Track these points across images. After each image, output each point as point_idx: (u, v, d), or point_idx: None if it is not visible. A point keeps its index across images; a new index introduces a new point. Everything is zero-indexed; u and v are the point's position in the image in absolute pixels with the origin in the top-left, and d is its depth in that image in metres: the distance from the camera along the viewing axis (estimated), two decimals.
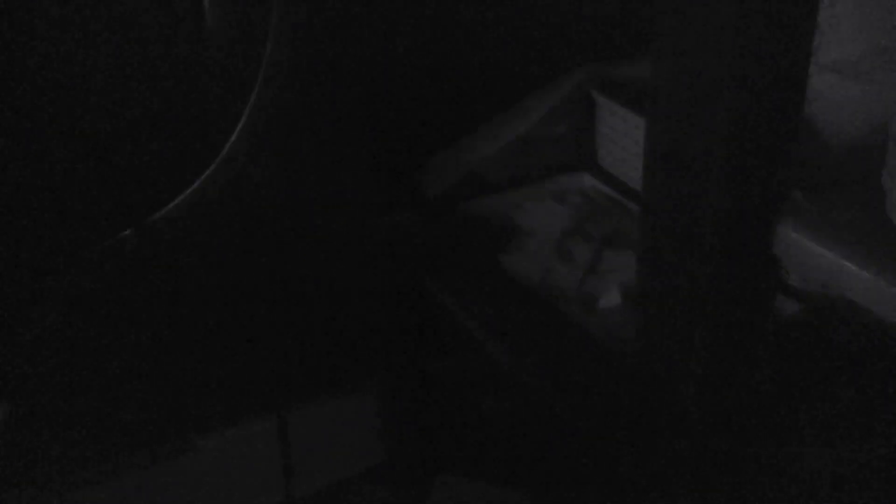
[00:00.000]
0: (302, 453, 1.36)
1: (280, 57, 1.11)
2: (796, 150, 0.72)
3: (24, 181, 1.06)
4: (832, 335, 0.96)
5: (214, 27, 0.95)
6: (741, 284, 0.73)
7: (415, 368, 1.36)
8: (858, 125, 0.92)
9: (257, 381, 1.31)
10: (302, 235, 1.26)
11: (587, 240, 1.17)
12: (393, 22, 1.22)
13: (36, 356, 1.15)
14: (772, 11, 0.64)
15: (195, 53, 1.05)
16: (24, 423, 1.17)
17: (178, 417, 1.28)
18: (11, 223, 1.04)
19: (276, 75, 1.11)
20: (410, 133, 1.27)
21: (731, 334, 0.75)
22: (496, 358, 1.07)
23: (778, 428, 0.90)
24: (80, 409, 1.20)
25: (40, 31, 1.01)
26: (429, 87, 1.26)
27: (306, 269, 1.29)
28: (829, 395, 0.93)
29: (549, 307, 1.09)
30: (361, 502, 1.39)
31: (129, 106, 1.08)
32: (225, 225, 1.20)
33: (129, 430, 1.25)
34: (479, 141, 1.26)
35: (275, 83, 1.11)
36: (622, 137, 1.22)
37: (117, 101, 1.08)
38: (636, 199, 1.15)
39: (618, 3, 1.33)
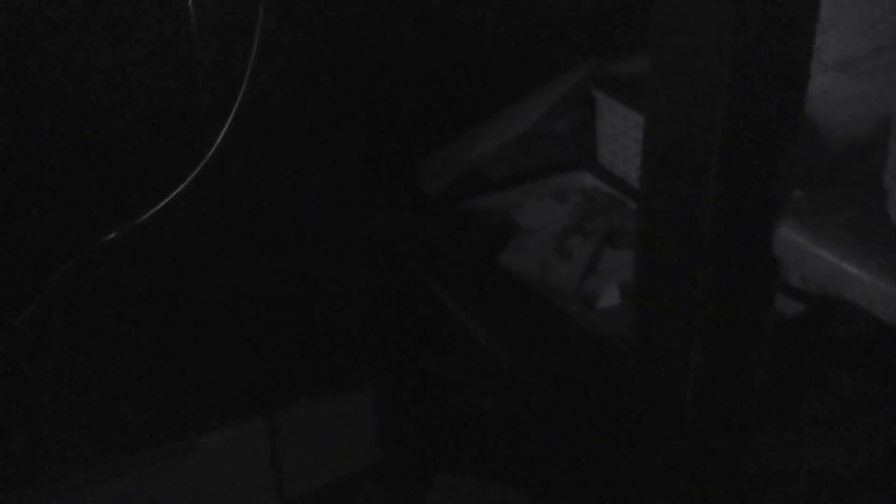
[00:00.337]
0: (302, 452, 1.36)
1: (269, 55, 1.11)
2: (797, 149, 0.71)
3: (13, 181, 1.06)
4: (833, 335, 0.96)
5: (201, 26, 0.95)
6: (740, 285, 0.72)
7: (414, 367, 1.36)
8: (861, 124, 0.92)
9: (257, 381, 1.30)
10: (300, 234, 1.26)
11: (587, 238, 1.17)
12: (392, 18, 1.22)
13: (35, 356, 1.15)
14: (771, 8, 0.64)
15: (182, 52, 1.05)
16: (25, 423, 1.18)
17: (178, 417, 1.28)
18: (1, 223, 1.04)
19: (265, 74, 1.11)
20: (409, 130, 1.26)
21: (729, 334, 0.74)
22: (495, 357, 1.07)
23: (778, 427, 0.90)
24: (80, 409, 1.20)
25: (24, 31, 1.01)
26: (428, 83, 1.26)
27: (304, 268, 1.28)
28: (829, 395, 0.93)
29: (548, 306, 1.08)
30: (361, 500, 1.39)
31: (117, 105, 1.08)
32: (221, 224, 1.19)
33: (130, 430, 1.25)
34: (479, 138, 1.25)
35: (264, 82, 1.11)
36: (622, 135, 1.22)
37: (104, 101, 1.07)
38: (637, 197, 1.15)
39: None
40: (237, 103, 0.89)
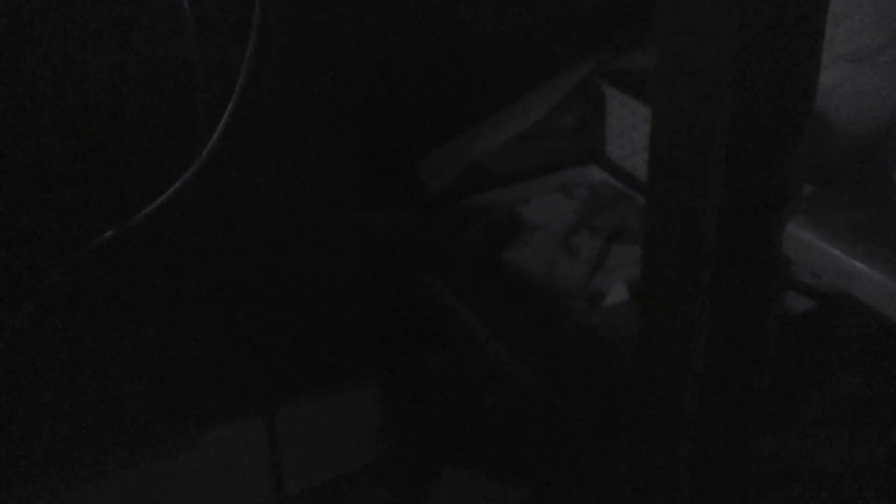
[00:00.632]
0: (302, 450, 1.36)
1: (267, 53, 1.11)
2: (808, 144, 0.70)
3: (8, 181, 1.06)
4: (839, 334, 0.94)
5: (195, 24, 0.94)
6: (744, 284, 0.71)
7: (414, 366, 1.36)
8: (876, 117, 0.91)
9: (257, 379, 1.30)
10: (299, 232, 1.26)
11: (594, 234, 1.15)
12: (392, 15, 1.21)
13: (35, 355, 1.15)
14: (777, 4, 0.62)
15: (178, 51, 1.04)
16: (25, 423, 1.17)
17: (179, 415, 1.28)
18: None
19: (261, 72, 1.11)
20: (409, 128, 1.26)
21: (732, 335, 0.73)
22: (496, 356, 1.06)
23: (779, 427, 0.89)
24: (79, 408, 1.20)
25: (18, 31, 1.00)
26: (428, 80, 1.25)
27: (304, 266, 1.28)
28: (831, 395, 0.92)
29: (550, 304, 1.07)
30: (361, 499, 1.39)
31: (113, 104, 1.08)
32: (220, 222, 1.19)
33: (130, 429, 1.25)
34: (484, 133, 1.24)
35: (262, 80, 1.11)
36: (631, 129, 1.20)
37: (102, 100, 1.07)
38: (645, 192, 1.14)
39: None
40: (232, 102, 0.88)
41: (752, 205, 0.69)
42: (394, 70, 1.23)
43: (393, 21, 1.21)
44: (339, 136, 1.24)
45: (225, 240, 1.20)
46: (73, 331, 1.16)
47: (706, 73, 0.64)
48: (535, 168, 1.26)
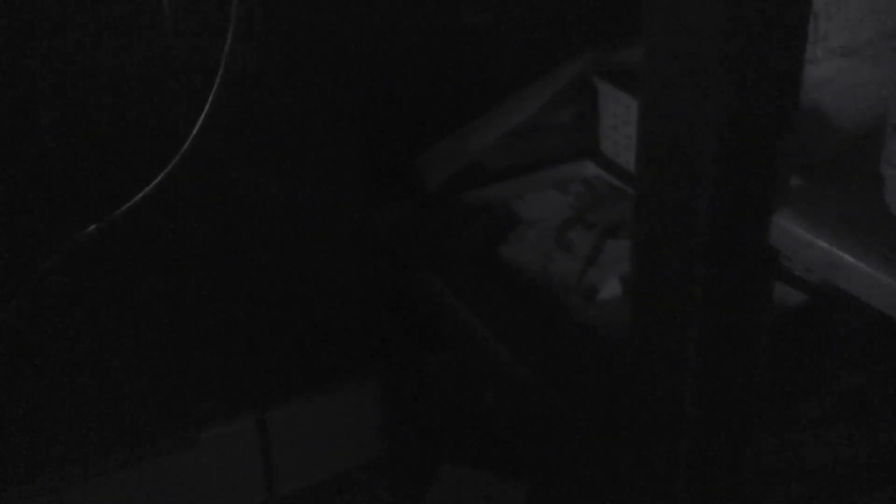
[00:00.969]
0: (302, 448, 1.36)
1: (266, 51, 1.11)
2: (796, 137, 0.70)
3: None
4: (838, 328, 0.94)
5: (173, 18, 0.94)
6: (736, 278, 0.71)
7: (413, 363, 1.36)
8: (865, 111, 0.91)
9: (257, 378, 1.30)
10: (298, 229, 1.26)
11: (588, 229, 1.15)
12: (391, 12, 1.21)
13: (32, 355, 1.15)
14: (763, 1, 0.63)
15: (155, 45, 1.04)
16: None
17: (178, 414, 1.28)
18: None
19: (261, 72, 1.11)
20: (408, 125, 1.26)
21: (726, 329, 0.73)
22: (495, 353, 1.06)
23: (778, 426, 0.89)
24: (76, 408, 1.20)
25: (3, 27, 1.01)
26: (426, 77, 1.25)
27: (303, 263, 1.28)
28: (830, 393, 0.92)
29: (548, 301, 1.07)
30: (361, 495, 1.39)
31: (90, 100, 1.08)
32: (219, 220, 1.19)
33: (128, 428, 1.25)
34: (480, 130, 1.24)
35: (260, 79, 1.11)
36: (625, 124, 1.20)
37: (78, 96, 1.07)
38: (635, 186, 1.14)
39: None
40: (212, 94, 0.89)
41: (742, 198, 0.69)
42: (394, 69, 1.23)
43: (393, 21, 1.21)
44: (338, 135, 1.24)
45: (223, 238, 1.20)
46: (69, 331, 1.16)
47: (693, 68, 0.65)
48: (530, 164, 1.26)
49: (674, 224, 0.71)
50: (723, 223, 0.69)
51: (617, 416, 0.87)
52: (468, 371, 1.34)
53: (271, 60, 1.15)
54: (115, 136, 1.10)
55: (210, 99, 0.88)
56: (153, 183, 0.90)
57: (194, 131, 0.88)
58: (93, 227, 0.93)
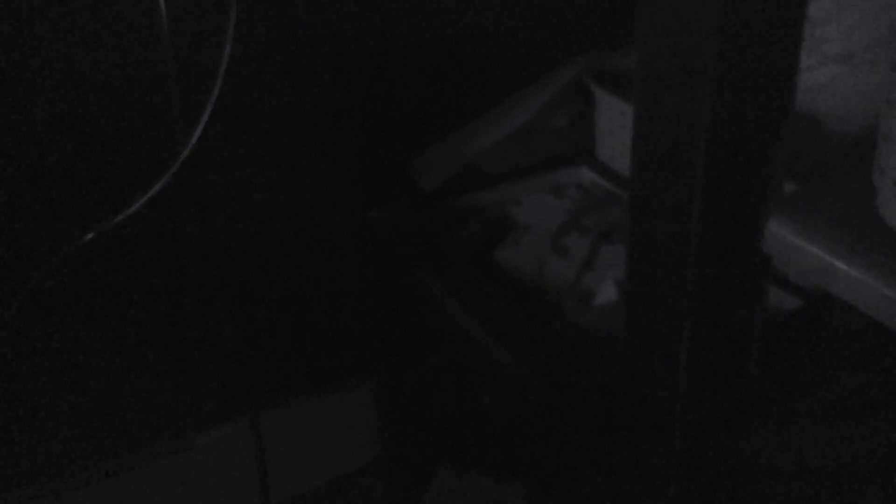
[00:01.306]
0: (300, 450, 1.36)
1: (265, 51, 1.11)
2: (791, 143, 0.70)
3: None
4: (829, 332, 0.94)
5: (171, 23, 0.94)
6: (728, 280, 0.71)
7: (410, 365, 1.36)
8: (860, 117, 0.91)
9: (254, 379, 1.30)
10: (295, 230, 1.25)
11: (584, 234, 1.16)
12: (388, 13, 1.21)
13: (32, 356, 1.15)
14: (757, 4, 0.63)
15: (152, 50, 1.04)
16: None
17: (175, 416, 1.28)
18: None
19: (261, 72, 1.11)
20: (405, 126, 1.26)
21: (719, 331, 0.73)
22: (492, 354, 1.06)
23: (776, 426, 0.89)
24: (76, 409, 1.20)
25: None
26: (423, 79, 1.25)
27: (300, 265, 1.28)
28: (827, 393, 0.92)
29: (545, 303, 1.07)
30: (359, 498, 1.39)
31: (88, 106, 1.08)
32: (216, 221, 1.19)
33: (127, 430, 1.25)
34: (475, 134, 1.25)
35: (260, 79, 1.11)
36: (620, 130, 1.20)
37: (87, 99, 1.07)
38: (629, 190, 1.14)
39: None
40: (212, 100, 0.89)
41: (734, 202, 0.69)
42: (392, 71, 1.23)
43: (391, 23, 1.21)
44: (336, 135, 1.23)
45: (219, 240, 1.20)
46: (65, 333, 1.16)
47: (687, 72, 0.65)
48: (526, 168, 1.26)
49: (667, 227, 0.71)
50: (716, 227, 0.69)
51: (614, 417, 0.88)
52: (466, 372, 1.34)
53: (270, 61, 1.15)
54: (113, 138, 1.10)
55: (211, 102, 0.88)
56: (153, 189, 0.90)
57: (195, 137, 0.88)
58: (92, 234, 0.93)
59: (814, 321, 0.96)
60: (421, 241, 1.19)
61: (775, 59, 0.66)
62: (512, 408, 1.15)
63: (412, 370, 1.37)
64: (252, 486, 1.33)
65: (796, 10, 0.66)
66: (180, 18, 1.00)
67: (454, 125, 1.25)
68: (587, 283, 1.09)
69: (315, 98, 1.20)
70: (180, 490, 1.29)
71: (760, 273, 0.73)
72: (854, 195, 0.71)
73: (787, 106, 0.69)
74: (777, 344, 0.90)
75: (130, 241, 1.14)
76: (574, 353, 1.01)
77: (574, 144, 1.28)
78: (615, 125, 1.21)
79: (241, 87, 1.10)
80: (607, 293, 1.06)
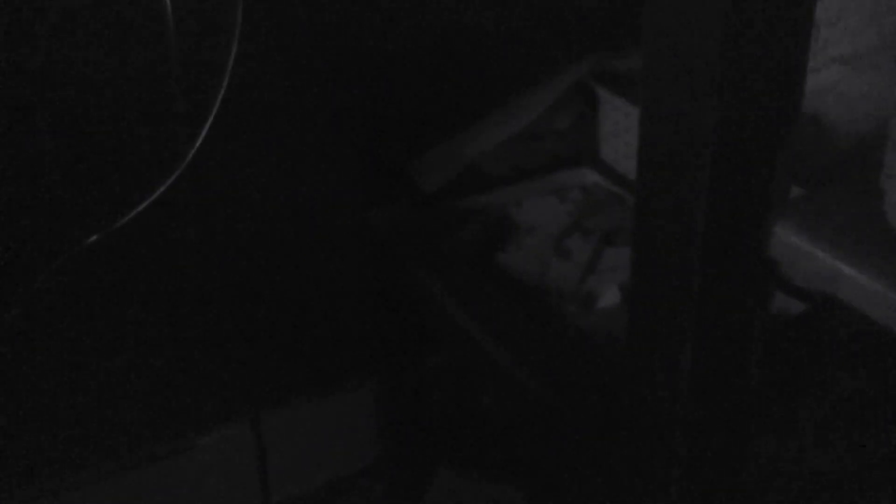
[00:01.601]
0: (300, 451, 1.36)
1: (265, 51, 1.11)
2: (797, 146, 0.70)
3: None
4: (833, 335, 0.94)
5: (177, 27, 0.94)
6: (733, 285, 0.71)
7: (411, 366, 1.35)
8: (866, 120, 0.90)
9: (254, 380, 1.30)
10: (296, 231, 1.25)
11: (587, 237, 1.15)
12: (389, 14, 1.21)
13: (32, 357, 1.15)
14: (765, 4, 0.62)
15: (153, 51, 1.04)
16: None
17: (175, 417, 1.27)
18: None
19: (261, 72, 1.11)
20: (406, 127, 1.25)
21: (722, 335, 0.73)
22: (493, 356, 1.06)
23: (777, 428, 0.89)
24: (76, 410, 1.20)
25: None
26: (425, 80, 1.25)
27: (301, 266, 1.28)
28: (829, 395, 0.92)
29: (546, 305, 1.07)
30: (359, 498, 1.39)
31: (93, 108, 1.07)
32: (217, 221, 1.19)
33: (128, 431, 1.25)
34: (478, 135, 1.24)
35: (260, 79, 1.11)
36: (624, 131, 1.20)
37: (89, 102, 1.07)
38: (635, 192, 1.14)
39: None
40: (217, 103, 0.88)
41: (740, 206, 0.69)
42: (393, 71, 1.23)
43: (393, 21, 1.21)
44: (337, 136, 1.23)
45: (220, 241, 1.20)
46: (66, 334, 1.16)
47: (693, 74, 0.64)
48: (529, 169, 1.26)
49: (672, 231, 0.71)
50: (721, 230, 0.69)
51: (614, 418, 0.87)
52: (466, 373, 1.34)
53: (270, 61, 1.14)
54: (116, 140, 1.10)
55: (216, 105, 0.88)
56: (159, 190, 0.90)
57: (200, 139, 0.88)
58: (95, 236, 0.93)
59: (819, 325, 0.96)
60: (421, 242, 1.19)
61: (782, 61, 0.66)
62: (512, 408, 1.15)
63: (412, 370, 1.36)
64: (252, 486, 1.33)
65: (803, 11, 0.66)
66: (182, 19, 1.00)
67: (455, 126, 1.25)
68: (590, 287, 1.08)
69: (315, 98, 1.20)
70: (180, 490, 1.29)
71: (764, 277, 0.73)
72: (861, 199, 0.71)
73: (793, 108, 0.69)
74: (782, 347, 0.89)
75: (131, 241, 1.14)
76: (574, 354, 1.01)
77: (576, 146, 1.28)
78: (619, 126, 1.21)
79: (241, 87, 1.10)
80: (611, 297, 1.06)
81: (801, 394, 0.92)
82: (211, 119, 0.89)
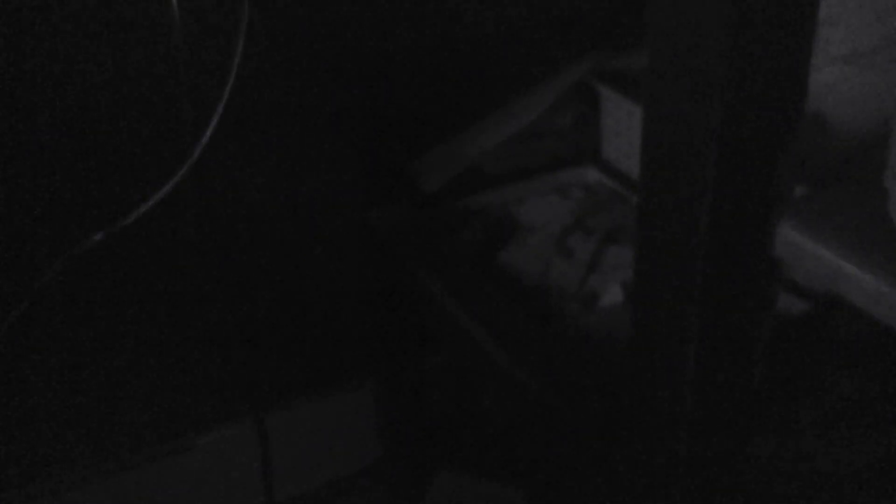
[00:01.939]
0: (300, 452, 1.35)
1: (265, 51, 1.10)
2: (801, 145, 0.70)
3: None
4: (835, 335, 0.94)
5: (183, 24, 0.94)
6: (737, 284, 0.71)
7: (411, 366, 1.35)
8: (868, 119, 0.90)
9: (254, 380, 1.30)
10: (296, 231, 1.25)
11: (589, 235, 1.15)
12: (390, 13, 1.21)
13: (32, 357, 1.15)
14: (770, 3, 0.62)
15: (166, 51, 1.04)
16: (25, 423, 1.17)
17: (175, 417, 1.28)
18: None
19: (261, 71, 1.10)
20: (407, 127, 1.25)
21: (726, 335, 0.73)
22: (493, 356, 1.06)
23: (777, 428, 0.89)
24: (76, 410, 1.20)
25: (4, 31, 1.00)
26: (426, 79, 1.24)
27: (301, 266, 1.28)
28: (829, 396, 0.92)
29: (548, 305, 1.07)
30: (359, 499, 1.39)
31: (97, 107, 1.07)
32: (216, 221, 1.19)
33: (128, 430, 1.25)
34: (480, 134, 1.24)
35: (259, 79, 1.10)
36: (626, 130, 1.20)
37: (92, 101, 1.07)
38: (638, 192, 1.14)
39: None
40: (223, 102, 0.88)
41: (743, 204, 0.69)
42: (394, 71, 1.23)
43: (393, 21, 1.21)
44: (337, 136, 1.23)
45: (220, 239, 1.20)
46: (66, 333, 1.16)
47: (698, 72, 0.64)
48: (531, 168, 1.26)
49: (676, 230, 0.71)
50: (725, 229, 0.68)
51: (615, 419, 0.87)
52: (466, 373, 1.34)
53: (271, 61, 1.14)
54: (118, 140, 1.10)
55: (221, 106, 0.88)
56: (163, 190, 0.90)
57: (205, 139, 0.88)
58: (100, 235, 0.93)
59: (822, 325, 0.96)
60: (421, 242, 1.19)
61: (787, 59, 0.65)
62: (512, 409, 1.15)
63: (412, 370, 1.36)
64: (252, 486, 1.32)
65: (808, 9, 0.66)
66: (187, 19, 1.00)
67: (455, 126, 1.24)
68: (592, 286, 1.08)
69: (315, 98, 1.20)
70: (180, 490, 1.29)
71: (770, 277, 0.73)
72: (864, 197, 0.71)
73: (798, 107, 0.68)
74: (785, 347, 0.89)
75: (131, 240, 1.14)
76: (575, 354, 1.01)
77: (577, 145, 1.27)
78: (621, 125, 1.21)
79: (241, 87, 1.10)
80: (613, 296, 1.06)
81: (801, 394, 0.92)
82: (216, 120, 0.88)
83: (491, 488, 1.31)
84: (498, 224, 1.20)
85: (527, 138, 1.25)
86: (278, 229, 1.24)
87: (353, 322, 1.34)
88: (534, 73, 1.26)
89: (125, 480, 1.26)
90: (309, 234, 1.27)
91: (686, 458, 0.78)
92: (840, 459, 0.90)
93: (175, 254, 1.19)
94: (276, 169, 1.21)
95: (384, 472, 1.41)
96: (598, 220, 1.18)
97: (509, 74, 1.28)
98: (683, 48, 0.65)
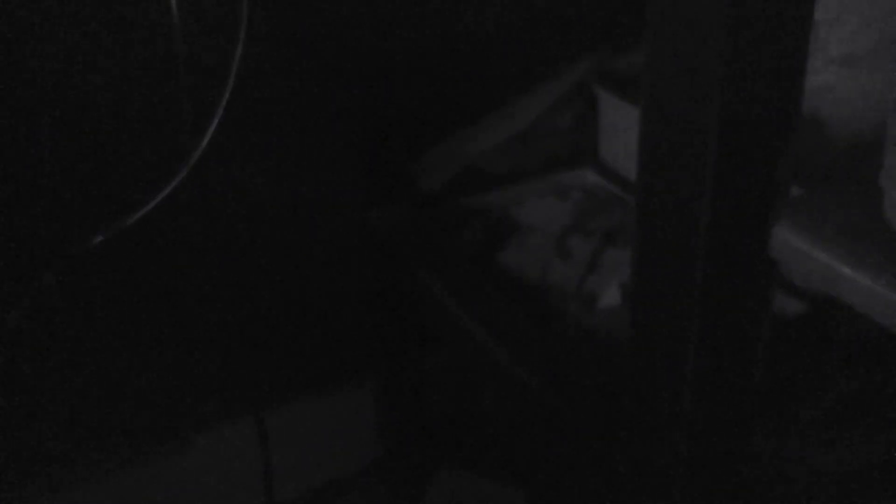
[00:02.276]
0: (300, 451, 1.35)
1: (264, 51, 1.10)
2: (798, 146, 0.70)
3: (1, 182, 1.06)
4: (833, 336, 0.94)
5: (183, 24, 0.94)
6: (736, 284, 0.71)
7: (412, 366, 1.35)
8: (865, 120, 0.90)
9: (254, 379, 1.30)
10: (296, 231, 1.25)
11: (588, 237, 1.15)
12: (390, 13, 1.21)
13: (33, 356, 1.15)
14: (767, 3, 0.62)
15: (166, 50, 1.04)
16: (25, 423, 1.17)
17: (175, 416, 1.27)
18: None
19: (260, 71, 1.10)
20: (407, 127, 1.25)
21: (725, 335, 0.73)
22: (494, 356, 1.06)
23: (777, 428, 0.89)
24: (76, 409, 1.20)
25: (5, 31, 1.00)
26: (425, 79, 1.24)
27: (301, 265, 1.28)
28: (829, 396, 0.92)
29: (547, 305, 1.07)
30: (359, 498, 1.39)
31: (97, 107, 1.07)
32: (216, 221, 1.19)
33: (128, 429, 1.25)
34: (478, 134, 1.24)
35: (259, 79, 1.10)
36: (624, 132, 1.20)
37: (93, 101, 1.07)
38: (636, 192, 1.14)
39: None
40: (224, 103, 0.88)
41: (741, 205, 0.69)
42: (393, 71, 1.23)
43: (392, 21, 1.21)
44: (337, 136, 1.23)
45: (220, 238, 1.20)
46: (66, 332, 1.16)
47: (696, 72, 0.64)
48: (529, 169, 1.26)
49: (674, 231, 0.71)
50: (723, 230, 0.69)
51: (615, 419, 0.87)
52: (466, 373, 1.34)
53: (270, 61, 1.14)
54: (119, 140, 1.10)
55: (221, 106, 0.88)
56: (165, 190, 0.90)
57: (206, 138, 0.88)
58: (101, 236, 0.93)
59: (818, 326, 0.96)
60: (421, 242, 1.19)
61: (784, 61, 0.66)
62: (512, 408, 1.15)
63: (412, 370, 1.36)
64: (252, 486, 1.32)
65: (805, 11, 0.66)
66: (187, 19, 1.00)
67: (456, 126, 1.25)
68: (591, 287, 1.09)
69: (315, 98, 1.20)
70: (180, 489, 1.29)
71: (768, 277, 0.73)
72: (860, 198, 0.71)
73: (795, 108, 0.69)
74: (781, 348, 0.89)
75: (130, 240, 1.14)
76: (575, 354, 1.01)
77: (576, 146, 1.28)
78: (619, 127, 1.21)
79: (241, 87, 1.10)
80: (611, 297, 1.06)
81: (801, 394, 0.92)
82: (217, 120, 0.89)
83: (491, 488, 1.31)
84: (497, 225, 1.20)
85: (525, 139, 1.25)
86: (278, 229, 1.24)
87: (353, 322, 1.34)
88: (534, 73, 1.26)
89: (125, 479, 1.26)
90: (309, 233, 1.27)
91: (686, 457, 0.78)
92: (839, 459, 0.90)
93: (175, 253, 1.19)
94: (276, 169, 1.21)
95: (384, 472, 1.41)
96: (597, 221, 1.18)
97: (509, 74, 1.28)
98: (682, 48, 0.65)
